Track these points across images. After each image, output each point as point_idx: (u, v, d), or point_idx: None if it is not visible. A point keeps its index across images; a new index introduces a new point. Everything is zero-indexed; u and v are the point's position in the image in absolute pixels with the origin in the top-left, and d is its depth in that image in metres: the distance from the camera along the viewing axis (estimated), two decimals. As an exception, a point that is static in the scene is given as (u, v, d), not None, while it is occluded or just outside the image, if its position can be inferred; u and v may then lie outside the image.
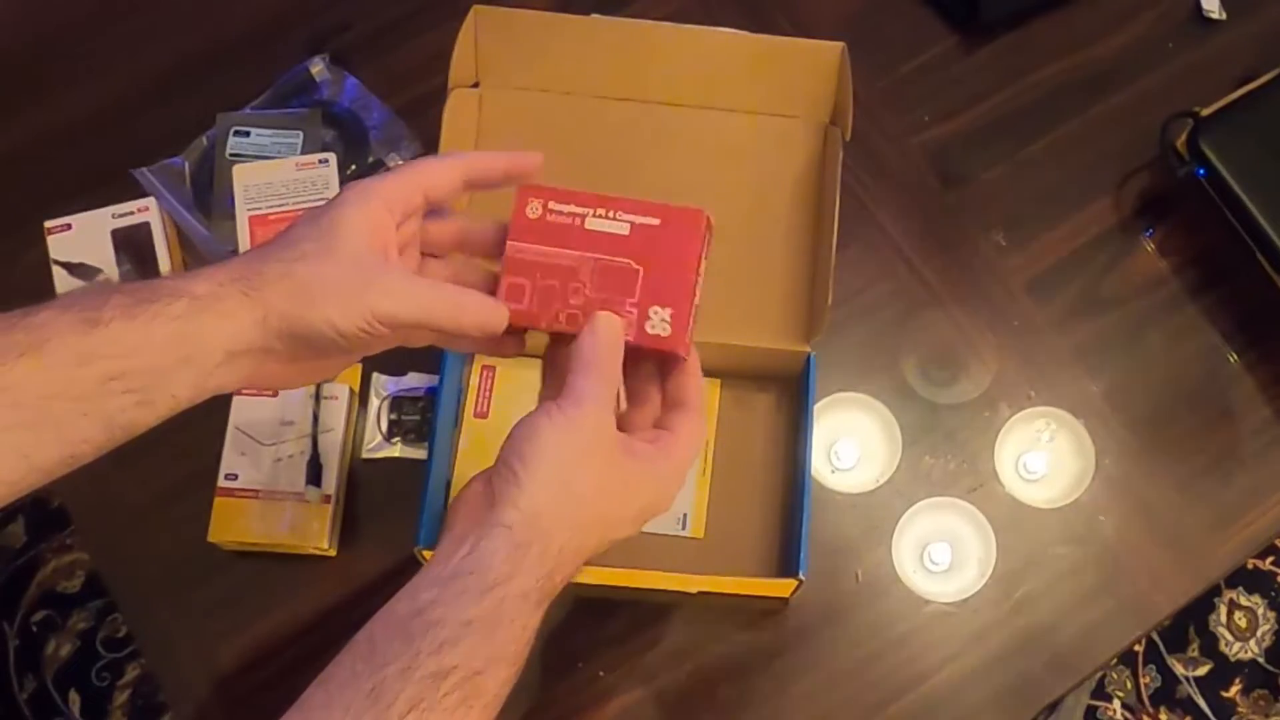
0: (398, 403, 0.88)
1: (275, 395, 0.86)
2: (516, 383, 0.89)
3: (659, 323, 0.63)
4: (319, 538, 0.84)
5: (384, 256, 0.59)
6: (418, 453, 0.86)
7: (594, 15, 0.89)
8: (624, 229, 0.63)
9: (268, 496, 0.84)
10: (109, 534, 0.87)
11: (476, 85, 0.88)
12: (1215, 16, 1.03)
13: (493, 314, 0.61)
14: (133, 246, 0.90)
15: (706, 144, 0.89)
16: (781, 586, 0.81)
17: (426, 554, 0.78)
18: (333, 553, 0.85)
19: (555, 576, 0.58)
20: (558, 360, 0.64)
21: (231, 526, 0.83)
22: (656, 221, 0.63)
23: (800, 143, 0.88)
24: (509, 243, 0.63)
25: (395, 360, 0.89)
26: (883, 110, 0.99)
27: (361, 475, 0.87)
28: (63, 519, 1.58)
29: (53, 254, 0.89)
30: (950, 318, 0.94)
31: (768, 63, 0.87)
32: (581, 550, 0.59)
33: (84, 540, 1.40)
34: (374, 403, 0.88)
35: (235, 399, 0.85)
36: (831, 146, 0.86)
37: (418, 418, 0.88)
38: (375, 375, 0.89)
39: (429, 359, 0.86)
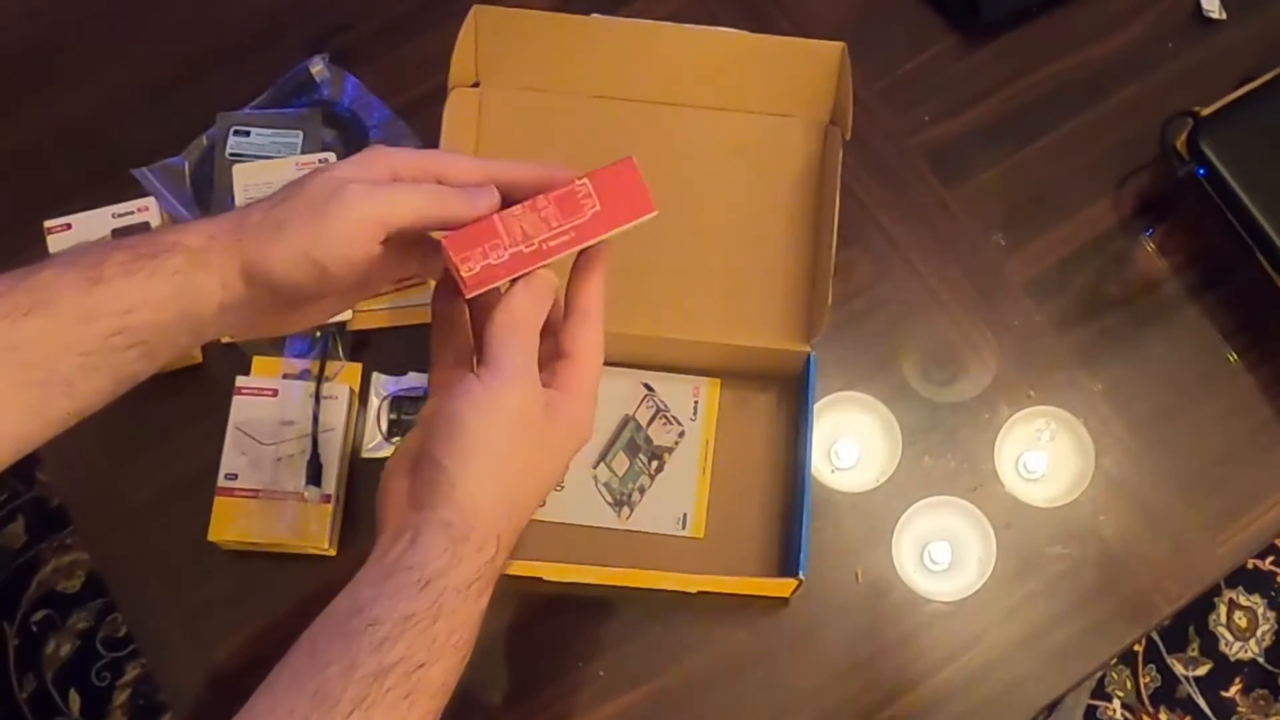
0: (398, 402, 0.88)
1: (275, 395, 0.86)
2: None
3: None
4: (319, 538, 0.84)
5: (351, 184, 0.58)
6: None
7: (594, 15, 0.89)
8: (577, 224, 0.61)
9: (268, 496, 0.84)
10: (109, 534, 0.87)
11: (476, 85, 0.88)
12: (1215, 16, 1.03)
13: (477, 193, 0.59)
14: (133, 246, 0.89)
15: (706, 144, 0.89)
16: (781, 586, 0.81)
17: None
18: (333, 552, 0.85)
19: (497, 561, 0.58)
20: (454, 317, 0.62)
21: (231, 526, 0.83)
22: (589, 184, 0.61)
23: (800, 142, 0.88)
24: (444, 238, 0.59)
25: (395, 360, 0.89)
26: (883, 110, 0.99)
27: (362, 475, 0.87)
28: (63, 519, 1.58)
29: (53, 254, 0.89)
30: (950, 318, 0.94)
31: (768, 62, 0.87)
32: (520, 525, 0.59)
33: (84, 540, 1.39)
34: (374, 402, 0.88)
35: (235, 399, 0.85)
36: (831, 146, 0.86)
37: (417, 417, 0.88)
38: (375, 375, 0.89)
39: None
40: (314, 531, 0.84)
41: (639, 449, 0.88)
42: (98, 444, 0.86)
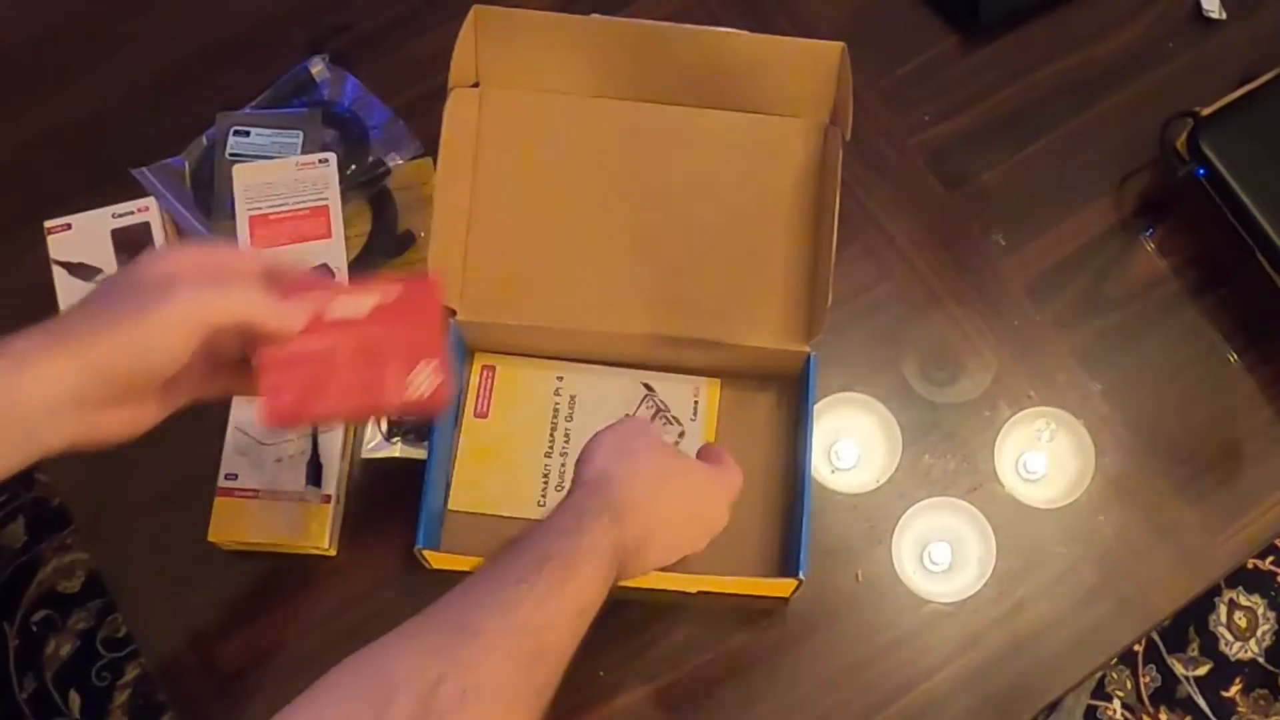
0: None
1: None
2: (516, 382, 0.89)
3: (421, 381, 0.65)
4: (319, 538, 0.84)
5: (178, 280, 0.60)
6: (418, 453, 0.86)
7: (594, 15, 0.89)
8: (368, 305, 0.66)
9: (268, 496, 0.84)
10: (109, 534, 0.87)
11: (477, 85, 0.88)
12: (1215, 16, 1.03)
13: (290, 308, 0.63)
14: (133, 246, 0.89)
15: (707, 143, 0.89)
16: (781, 586, 0.81)
17: (427, 554, 0.79)
18: (333, 552, 0.85)
19: (627, 540, 0.66)
20: None
21: (231, 526, 0.83)
22: (399, 289, 0.66)
23: (800, 143, 0.88)
24: (259, 350, 0.64)
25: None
26: (883, 110, 0.99)
27: (362, 475, 0.87)
28: (63, 519, 1.58)
29: (53, 254, 0.89)
30: (950, 318, 0.94)
31: (767, 62, 0.87)
32: (652, 521, 0.68)
33: (84, 540, 1.40)
34: None
35: (235, 399, 0.85)
36: (831, 146, 0.86)
37: (415, 418, 0.88)
38: None
39: None
40: (314, 532, 0.83)
41: None
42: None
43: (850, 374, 0.91)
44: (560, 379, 0.89)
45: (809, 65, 0.86)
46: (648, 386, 0.89)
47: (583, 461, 0.70)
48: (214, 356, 0.64)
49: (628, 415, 0.79)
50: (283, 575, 0.85)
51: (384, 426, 0.88)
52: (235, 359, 0.65)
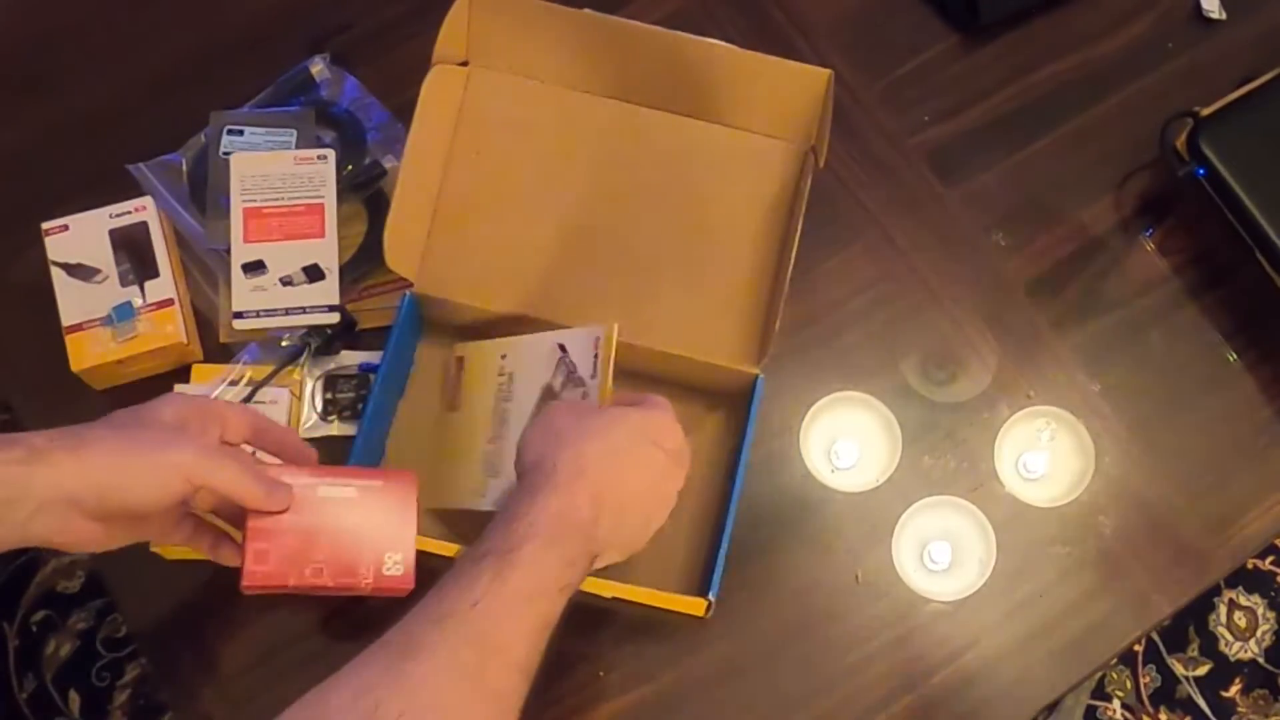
0: (331, 381, 0.88)
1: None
2: (477, 370, 0.87)
3: (393, 565, 0.71)
4: None
5: (179, 430, 0.68)
6: (354, 430, 0.85)
7: (586, 10, 0.89)
8: (351, 493, 0.72)
9: None
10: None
11: (465, 64, 0.88)
12: (1215, 16, 1.03)
13: (273, 492, 0.69)
14: (131, 246, 0.89)
15: (684, 153, 0.89)
16: (693, 605, 0.80)
17: None
18: None
19: (577, 508, 0.66)
20: None
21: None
22: (379, 483, 0.73)
23: (777, 164, 0.88)
24: (250, 515, 0.69)
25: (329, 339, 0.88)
26: (883, 110, 0.99)
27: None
28: (62, 519, 1.57)
29: (51, 255, 0.89)
30: (950, 318, 0.94)
31: (755, 79, 0.87)
32: (599, 483, 0.68)
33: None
34: (308, 382, 0.88)
35: None
36: (804, 172, 0.86)
37: (352, 395, 0.88)
38: (307, 355, 0.88)
39: (363, 337, 0.89)
40: None
41: None
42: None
43: (850, 374, 0.91)
44: (504, 357, 0.86)
45: (795, 87, 0.86)
46: (562, 348, 0.82)
47: (517, 461, 0.71)
48: (185, 510, 0.71)
49: (551, 396, 0.77)
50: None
51: (319, 406, 0.87)
52: (198, 521, 0.73)
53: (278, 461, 0.74)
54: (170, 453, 0.66)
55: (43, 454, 0.63)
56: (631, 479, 0.70)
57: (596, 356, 0.79)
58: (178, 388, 0.87)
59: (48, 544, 0.66)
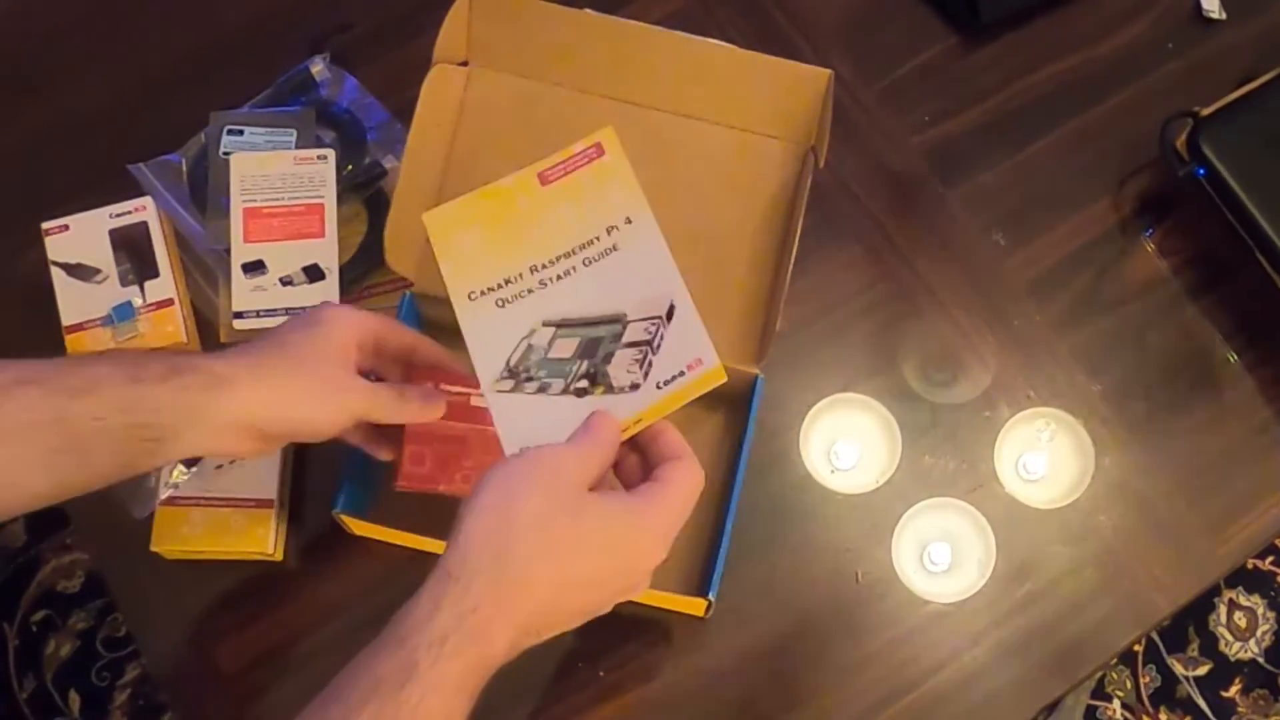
0: None
1: None
2: None
3: None
4: (263, 543, 0.83)
5: (349, 368, 0.72)
6: None
7: (586, 10, 0.89)
8: None
9: (208, 504, 0.83)
10: (109, 534, 0.87)
11: (465, 64, 0.88)
12: (1215, 16, 1.03)
13: (429, 402, 0.75)
14: (131, 246, 0.89)
15: (686, 153, 0.89)
16: (693, 605, 0.80)
17: (345, 519, 0.79)
18: (279, 558, 0.84)
19: (480, 614, 0.55)
20: None
21: (174, 536, 0.82)
22: None
23: (779, 165, 0.88)
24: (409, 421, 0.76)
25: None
26: (883, 110, 0.99)
27: (307, 469, 0.86)
28: (63, 519, 1.57)
29: (51, 255, 0.89)
30: (950, 318, 0.94)
31: (754, 80, 0.87)
32: (522, 595, 0.57)
33: (84, 540, 1.40)
34: None
35: None
36: (804, 172, 0.86)
37: None
38: None
39: None
40: (259, 537, 0.82)
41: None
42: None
43: (850, 374, 0.91)
44: None
45: (795, 87, 0.86)
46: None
47: (460, 515, 0.59)
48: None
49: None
50: (284, 575, 0.85)
51: None
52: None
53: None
54: (345, 396, 0.71)
55: (226, 381, 0.67)
56: (581, 604, 0.61)
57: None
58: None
59: (213, 455, 0.74)
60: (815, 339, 0.92)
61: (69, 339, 0.86)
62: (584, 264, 0.71)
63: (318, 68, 0.97)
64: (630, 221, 0.72)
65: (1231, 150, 0.91)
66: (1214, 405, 0.92)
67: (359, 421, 0.73)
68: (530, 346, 0.68)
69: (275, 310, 0.88)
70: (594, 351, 0.68)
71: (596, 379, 0.67)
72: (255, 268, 0.88)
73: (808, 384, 0.90)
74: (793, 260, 0.82)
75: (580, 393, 0.67)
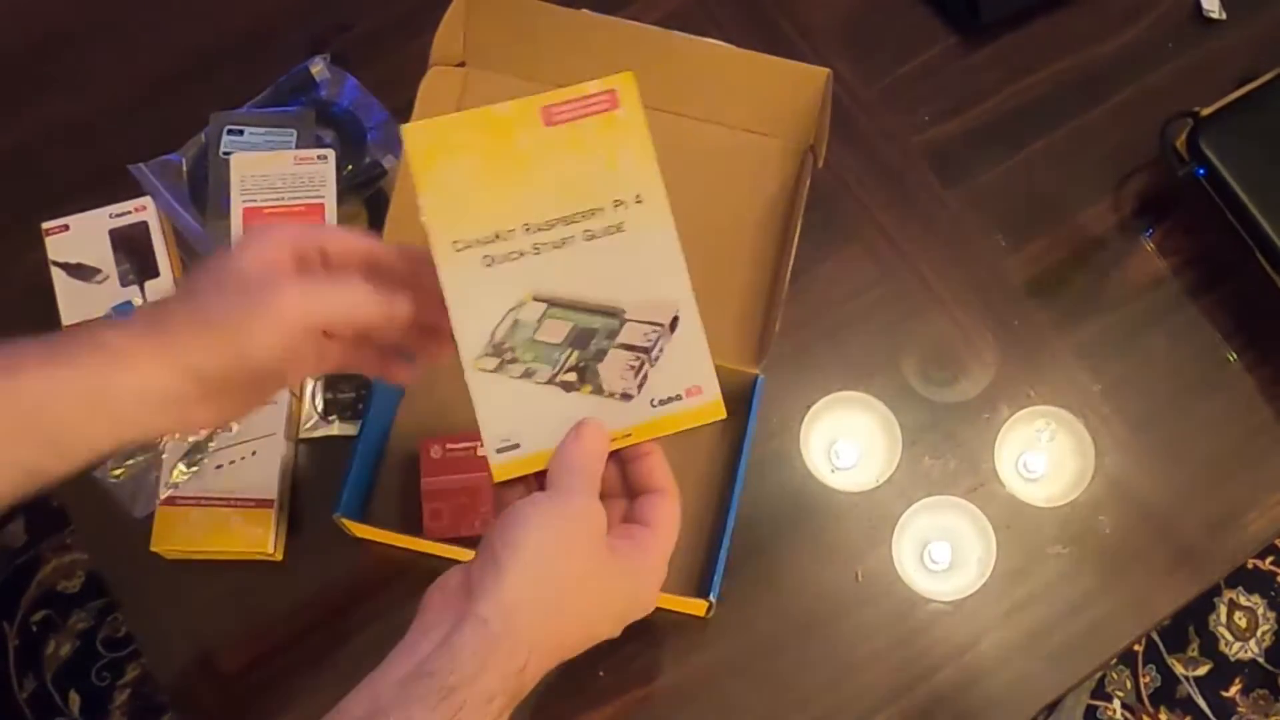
0: (331, 381, 0.88)
1: None
2: None
3: None
4: (263, 543, 0.83)
5: (281, 276, 0.58)
6: (356, 429, 0.85)
7: (584, 10, 0.89)
8: None
9: (208, 504, 0.83)
10: (109, 534, 0.87)
11: (463, 65, 0.88)
12: (1215, 16, 1.03)
13: (392, 302, 0.60)
14: (131, 246, 0.89)
15: (684, 153, 0.88)
16: (694, 605, 0.80)
17: (345, 522, 0.79)
18: (278, 557, 0.84)
19: (526, 674, 0.56)
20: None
21: (174, 536, 0.82)
22: None
23: (778, 164, 0.88)
24: (424, 479, 0.83)
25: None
26: (883, 110, 0.99)
27: (303, 458, 0.87)
28: (63, 519, 1.58)
29: (51, 255, 0.89)
30: (950, 318, 0.94)
31: (753, 79, 0.87)
32: (559, 649, 0.58)
33: (84, 540, 1.40)
34: (308, 382, 0.88)
35: None
36: (803, 171, 0.86)
37: (352, 395, 0.87)
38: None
39: None
40: (258, 537, 0.82)
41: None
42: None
43: (850, 374, 0.91)
44: None
45: (794, 87, 0.86)
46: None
47: (498, 559, 0.56)
48: (320, 343, 0.61)
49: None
50: (284, 575, 0.85)
51: (319, 406, 0.87)
52: (344, 343, 0.63)
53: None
54: (269, 311, 0.56)
55: (121, 357, 0.56)
56: (597, 638, 0.62)
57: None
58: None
59: (178, 433, 0.60)
60: (815, 339, 0.92)
61: (69, 339, 0.86)
62: (584, 236, 0.63)
63: (318, 68, 0.97)
64: (641, 202, 0.65)
65: (1231, 150, 0.91)
66: (1214, 405, 0.92)
67: (324, 331, 0.59)
68: (518, 322, 0.62)
69: (275, 310, 0.88)
70: (586, 343, 0.63)
71: (585, 376, 0.63)
72: (255, 268, 0.88)
73: (808, 384, 0.90)
74: (792, 260, 0.82)
75: (567, 386, 0.62)
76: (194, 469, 0.83)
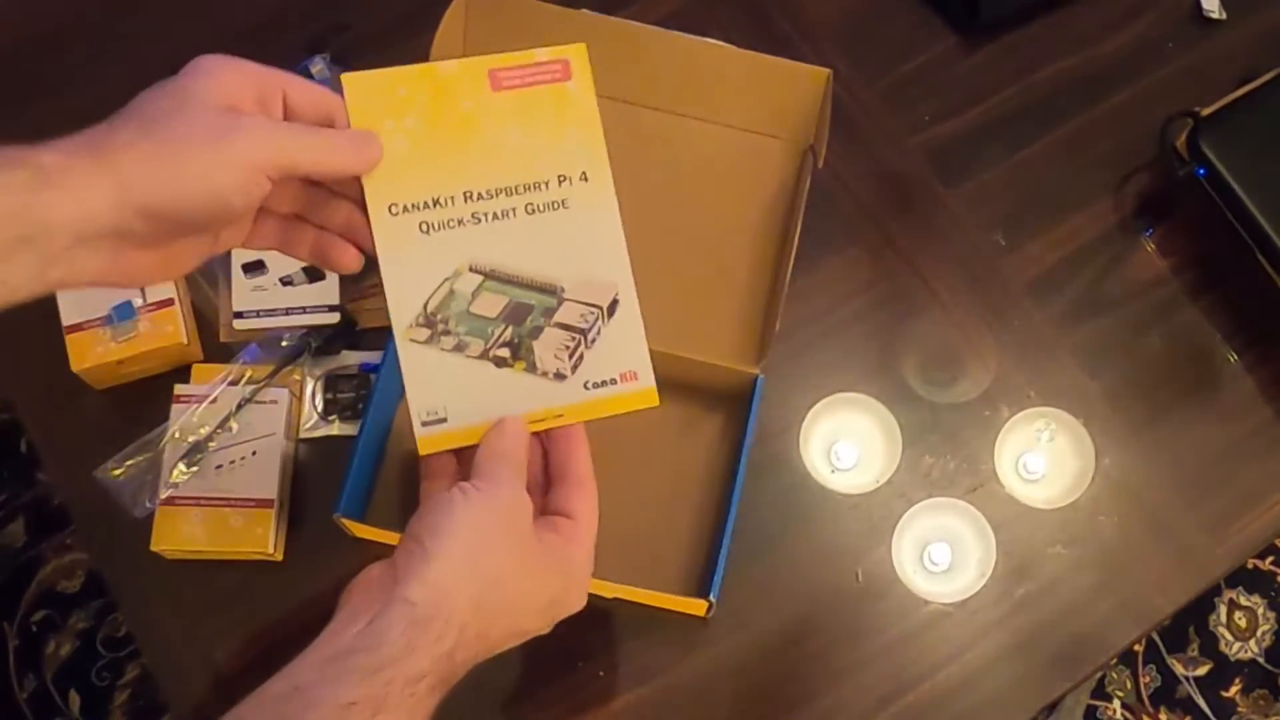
0: (332, 381, 0.88)
1: (215, 401, 0.85)
2: None
3: None
4: (263, 543, 0.83)
5: (240, 110, 0.54)
6: (355, 429, 0.85)
7: (583, 10, 0.89)
8: None
9: (208, 504, 0.83)
10: (109, 534, 0.87)
11: None
12: (1215, 16, 1.03)
13: (363, 146, 0.57)
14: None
15: (683, 153, 0.89)
16: (694, 605, 0.80)
17: (345, 522, 0.79)
18: (278, 557, 0.84)
19: (455, 657, 0.55)
20: (444, 464, 0.63)
21: (174, 536, 0.82)
22: None
23: (778, 164, 0.88)
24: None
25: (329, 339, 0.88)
26: (883, 110, 0.99)
27: (304, 460, 0.87)
28: (63, 519, 1.58)
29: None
30: (950, 318, 0.94)
31: (753, 79, 0.87)
32: (485, 636, 0.57)
33: (84, 540, 1.40)
34: (309, 382, 0.88)
35: (174, 407, 0.85)
36: (803, 171, 0.86)
37: (352, 395, 0.87)
38: (307, 355, 0.88)
39: (364, 337, 0.88)
40: (258, 537, 0.82)
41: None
42: (98, 444, 0.86)
43: (850, 374, 0.91)
44: None
45: (794, 87, 0.86)
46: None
47: (425, 549, 0.56)
48: (266, 198, 0.56)
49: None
50: (283, 576, 0.85)
51: (319, 405, 0.87)
52: (285, 219, 0.59)
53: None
54: (235, 143, 0.51)
55: (53, 176, 0.49)
56: (528, 632, 0.61)
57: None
58: (178, 389, 0.86)
59: (100, 284, 0.52)
60: (815, 339, 0.92)
61: (69, 339, 0.86)
62: (526, 210, 0.62)
63: (318, 68, 0.97)
64: (586, 180, 0.63)
65: (1231, 150, 0.91)
66: (1214, 405, 0.92)
67: (281, 178, 0.54)
68: (453, 292, 0.60)
69: (275, 310, 0.88)
70: (521, 319, 0.62)
71: (519, 352, 0.62)
72: (255, 268, 0.88)
73: (808, 384, 0.90)
74: (792, 260, 0.82)
75: (499, 362, 0.61)
76: (194, 469, 0.83)
